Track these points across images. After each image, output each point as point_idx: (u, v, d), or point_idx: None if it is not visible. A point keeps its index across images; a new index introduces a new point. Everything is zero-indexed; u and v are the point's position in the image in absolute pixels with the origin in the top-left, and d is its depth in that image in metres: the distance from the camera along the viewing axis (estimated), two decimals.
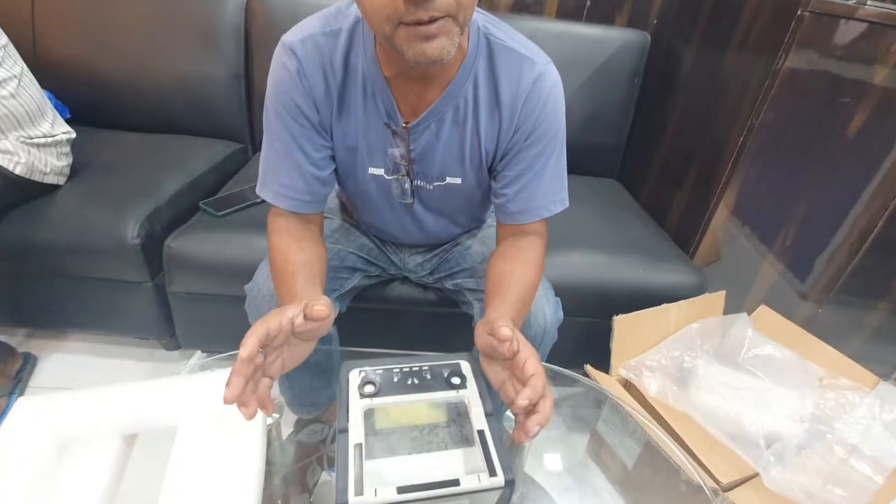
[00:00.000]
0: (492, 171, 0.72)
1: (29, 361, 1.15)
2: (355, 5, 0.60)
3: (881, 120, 1.01)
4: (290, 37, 0.62)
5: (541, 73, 0.64)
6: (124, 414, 0.52)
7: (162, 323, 1.13)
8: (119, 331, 1.22)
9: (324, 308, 0.47)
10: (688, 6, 1.30)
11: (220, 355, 0.78)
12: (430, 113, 0.65)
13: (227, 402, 0.42)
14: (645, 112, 1.46)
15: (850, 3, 1.03)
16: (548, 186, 0.70)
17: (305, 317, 0.46)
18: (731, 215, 1.14)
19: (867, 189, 1.11)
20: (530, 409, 0.45)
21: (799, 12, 0.90)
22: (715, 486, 0.79)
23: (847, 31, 0.93)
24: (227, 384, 0.42)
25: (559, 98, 0.67)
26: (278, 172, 0.66)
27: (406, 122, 0.65)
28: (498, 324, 0.47)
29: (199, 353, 1.26)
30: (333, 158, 0.70)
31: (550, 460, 0.94)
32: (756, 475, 0.81)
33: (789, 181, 1.10)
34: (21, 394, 1.08)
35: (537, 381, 0.46)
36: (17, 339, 1.22)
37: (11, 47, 1.02)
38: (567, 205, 0.73)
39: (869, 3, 1.11)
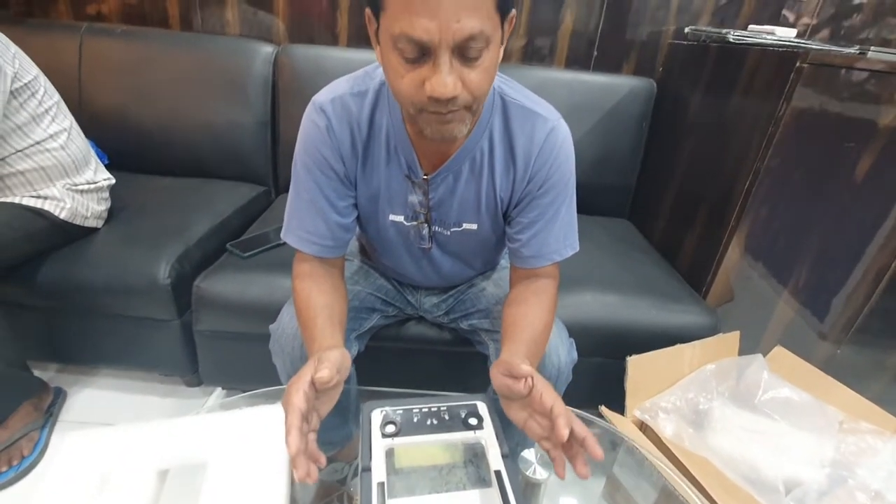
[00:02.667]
0: (506, 218, 0.76)
1: (60, 396, 1.19)
2: (381, 69, 0.66)
3: (889, 163, 1.03)
4: (321, 97, 0.68)
5: (553, 127, 0.69)
6: (159, 450, 0.55)
7: (186, 360, 1.17)
8: (145, 366, 1.26)
9: (325, 373, 0.51)
10: (692, 56, 1.36)
11: (244, 394, 0.80)
12: (448, 166, 0.69)
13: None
14: (654, 154, 1.50)
15: (851, 52, 1.08)
16: (559, 232, 0.73)
17: (317, 379, 0.51)
18: (743, 255, 1.15)
19: (880, 230, 1.11)
20: (568, 442, 0.48)
21: (798, 63, 0.94)
22: None
23: (849, 79, 0.97)
24: (294, 468, 0.47)
25: (570, 150, 0.71)
26: (304, 220, 0.71)
27: (426, 175, 0.70)
28: (516, 361, 0.51)
29: (219, 390, 1.30)
30: (356, 206, 0.75)
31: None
32: None
33: (800, 222, 1.12)
34: (52, 427, 1.12)
35: (560, 409, 0.49)
36: (48, 374, 1.27)
37: (63, 103, 1.11)
38: (577, 249, 0.76)
39: (871, 51, 1.16)
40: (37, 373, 1.14)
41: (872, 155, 1.02)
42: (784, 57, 0.98)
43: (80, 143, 1.13)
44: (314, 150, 0.68)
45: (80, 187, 1.12)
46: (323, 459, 0.50)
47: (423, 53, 0.51)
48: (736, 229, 1.11)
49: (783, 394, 0.95)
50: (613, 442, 0.96)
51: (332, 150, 0.68)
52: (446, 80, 0.51)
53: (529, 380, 0.51)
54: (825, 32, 1.52)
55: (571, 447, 0.49)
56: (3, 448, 1.01)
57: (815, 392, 0.98)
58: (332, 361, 0.53)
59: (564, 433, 0.47)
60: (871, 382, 1.35)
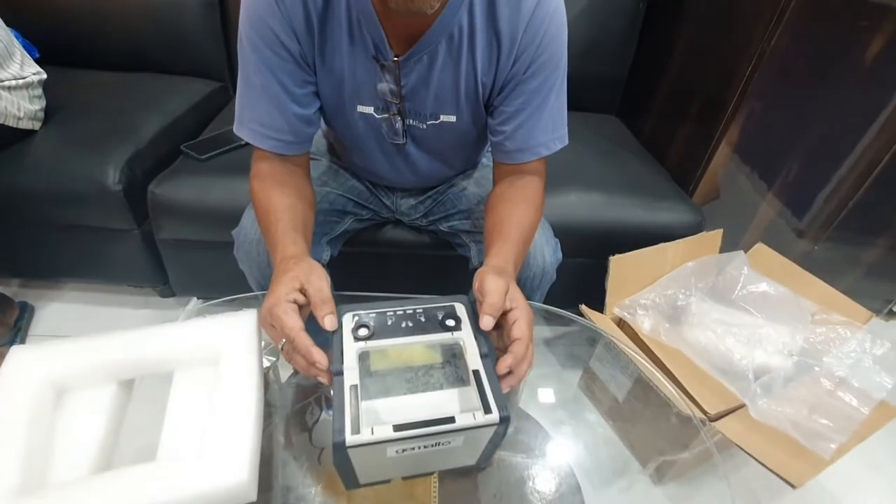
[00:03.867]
0: (488, 108, 0.68)
1: (26, 310, 1.15)
2: None
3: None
4: None
5: None
6: (120, 360, 0.51)
7: (154, 271, 1.12)
8: (112, 279, 1.22)
9: (333, 320, 0.47)
10: None
11: (215, 301, 0.77)
12: (422, 44, 0.60)
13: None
14: (649, 42, 1.37)
15: None
16: (547, 123, 0.66)
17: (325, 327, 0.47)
18: (734, 151, 1.10)
19: (877, 120, 1.06)
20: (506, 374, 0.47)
21: None
22: (703, 416, 0.82)
23: None
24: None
25: (562, 24, 0.62)
26: (257, 110, 0.62)
27: (396, 56, 0.61)
28: (482, 308, 0.48)
29: (195, 299, 1.26)
30: (317, 95, 0.66)
31: (544, 395, 0.96)
32: (743, 406, 0.84)
33: (797, 113, 1.05)
34: (22, 342, 1.09)
35: (519, 348, 0.47)
36: (12, 290, 1.22)
37: None
38: (567, 142, 0.70)
39: None
40: None
41: (885, 35, 0.93)
42: None
43: (1, 33, 0.97)
44: (259, 23, 0.57)
45: (7, 83, 0.98)
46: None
47: None
48: (730, 122, 1.05)
49: (760, 288, 0.96)
50: (592, 338, 0.98)
51: (282, 22, 0.57)
52: None
53: (507, 303, 0.49)
54: None
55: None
56: None
57: (793, 286, 0.99)
58: (331, 301, 0.48)
59: (500, 371, 0.46)
60: (845, 277, 1.39)
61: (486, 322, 0.47)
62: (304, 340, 0.45)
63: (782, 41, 0.93)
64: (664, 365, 0.90)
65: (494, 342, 0.51)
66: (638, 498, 0.81)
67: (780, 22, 0.90)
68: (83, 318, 1.19)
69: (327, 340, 0.48)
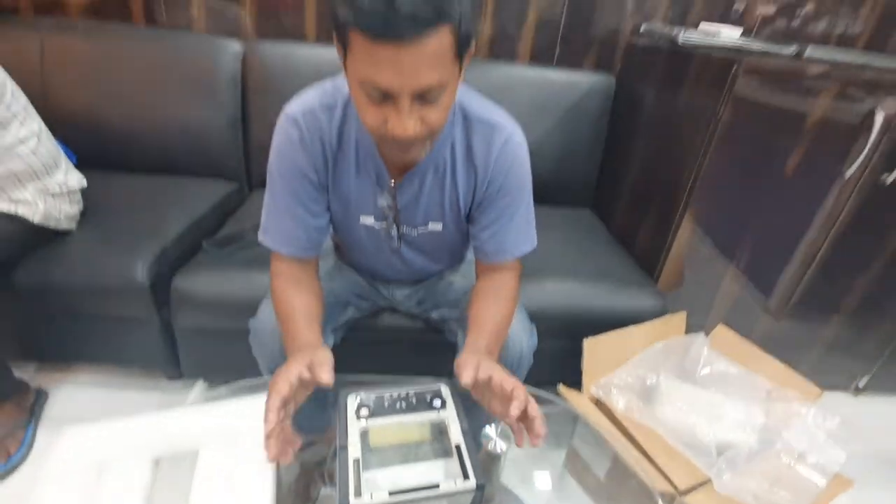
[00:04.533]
0: (469, 218, 0.83)
1: (41, 396, 1.21)
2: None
3: (814, 157, 1.14)
4: (293, 109, 0.73)
5: (508, 135, 0.75)
6: (153, 440, 0.60)
7: (167, 355, 1.21)
8: (126, 363, 1.29)
9: (327, 377, 0.56)
10: (647, 54, 1.44)
11: (226, 385, 0.85)
12: (414, 173, 0.76)
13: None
14: (614, 147, 1.59)
15: (789, 52, 1.18)
16: (518, 230, 0.81)
17: (318, 381, 0.56)
18: (691, 241, 1.25)
19: (811, 217, 1.23)
20: (524, 416, 0.55)
21: (734, 70, 1.03)
22: (673, 491, 0.88)
23: (781, 80, 1.06)
24: (266, 448, 0.52)
25: (524, 156, 0.78)
26: (280, 223, 0.76)
27: (393, 181, 0.76)
28: (460, 373, 0.57)
29: (201, 382, 1.34)
30: (329, 210, 0.81)
31: (529, 475, 1.02)
32: (709, 481, 0.90)
33: (740, 211, 1.22)
34: (36, 425, 1.15)
35: (520, 393, 0.56)
36: (28, 374, 1.29)
37: (30, 107, 1.11)
38: (535, 244, 0.84)
39: (809, 49, 1.26)
40: (16, 373, 1.16)
41: (801, 151, 1.12)
42: (723, 63, 1.06)
43: (49, 146, 1.14)
44: (289, 160, 0.73)
45: (53, 190, 1.12)
46: (298, 442, 0.57)
47: (385, 96, 0.56)
48: (682, 218, 1.21)
49: (720, 367, 1.06)
50: (574, 416, 1.06)
51: (306, 159, 0.73)
52: (406, 123, 0.57)
53: (480, 372, 0.58)
54: (772, 27, 1.62)
55: (526, 419, 0.56)
56: None
57: (751, 365, 1.09)
58: (328, 364, 0.58)
59: (515, 413, 0.54)
60: (809, 352, 1.49)
61: (467, 375, 0.57)
62: (272, 402, 0.53)
63: (715, 156, 1.11)
64: (637, 442, 0.97)
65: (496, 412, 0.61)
66: None
67: (711, 140, 1.09)
68: (94, 402, 1.25)
69: (328, 420, 0.56)
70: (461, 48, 0.56)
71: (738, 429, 0.97)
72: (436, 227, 0.83)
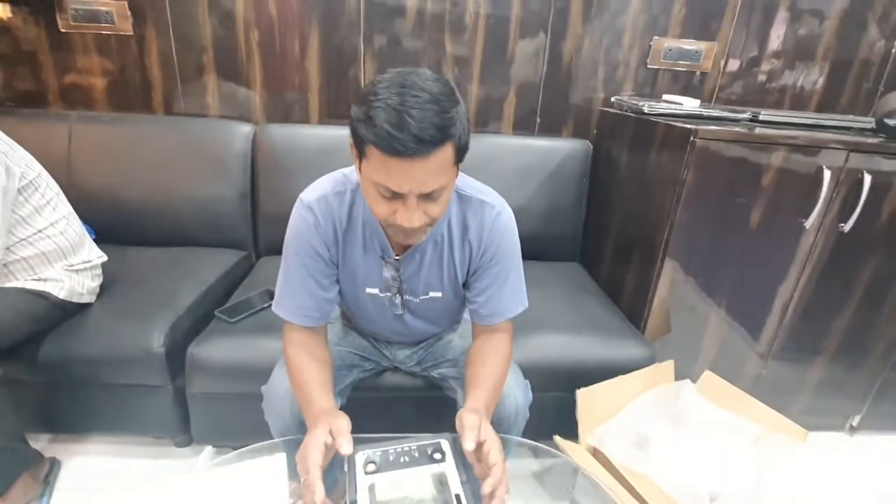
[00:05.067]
0: (465, 285, 0.92)
1: (55, 466, 1.24)
2: (355, 173, 0.82)
3: (776, 212, 1.25)
4: (308, 196, 0.83)
5: (498, 212, 0.85)
6: None
7: (178, 421, 1.25)
8: (138, 431, 1.33)
9: (349, 447, 0.64)
10: (618, 122, 1.59)
11: (234, 452, 0.87)
12: (415, 249, 0.85)
13: None
14: (595, 205, 1.71)
15: (744, 117, 1.31)
16: (510, 294, 0.89)
17: (338, 451, 0.64)
18: (671, 292, 1.34)
19: (778, 267, 1.33)
20: (491, 494, 0.63)
21: (692, 138, 1.16)
22: None
23: (734, 149, 1.19)
24: None
25: (513, 229, 0.88)
26: (294, 296, 0.85)
27: (397, 256, 0.85)
28: (464, 437, 0.65)
29: (209, 448, 1.37)
30: (338, 282, 0.89)
31: None
32: None
33: (712, 265, 1.31)
34: (50, 497, 1.17)
35: (497, 471, 0.64)
36: (41, 444, 1.32)
37: (62, 194, 1.23)
38: (526, 305, 0.92)
39: (763, 113, 1.40)
40: (31, 443, 1.20)
41: (761, 207, 1.24)
42: (683, 132, 1.19)
43: (76, 227, 1.24)
44: (304, 241, 0.83)
45: (77, 267, 1.22)
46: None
47: (395, 195, 0.67)
48: (661, 271, 1.30)
49: (708, 414, 1.11)
50: (574, 468, 1.10)
51: (319, 240, 0.83)
52: (413, 217, 0.68)
53: (481, 434, 0.66)
54: (730, 93, 1.79)
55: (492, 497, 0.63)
56: None
57: (738, 409, 1.14)
58: (347, 433, 0.65)
59: (486, 490, 0.63)
60: (798, 395, 1.53)
61: (468, 444, 0.64)
62: (315, 475, 0.61)
63: (683, 216, 1.22)
64: (635, 491, 1.01)
65: (477, 473, 0.67)
66: None
67: (679, 202, 1.21)
68: (105, 470, 1.28)
69: (335, 480, 0.63)
70: (460, 156, 0.68)
71: (728, 474, 1.01)
72: (436, 294, 0.92)
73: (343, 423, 0.67)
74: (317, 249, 0.83)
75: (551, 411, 1.20)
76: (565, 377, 1.20)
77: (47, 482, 1.19)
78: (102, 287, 1.31)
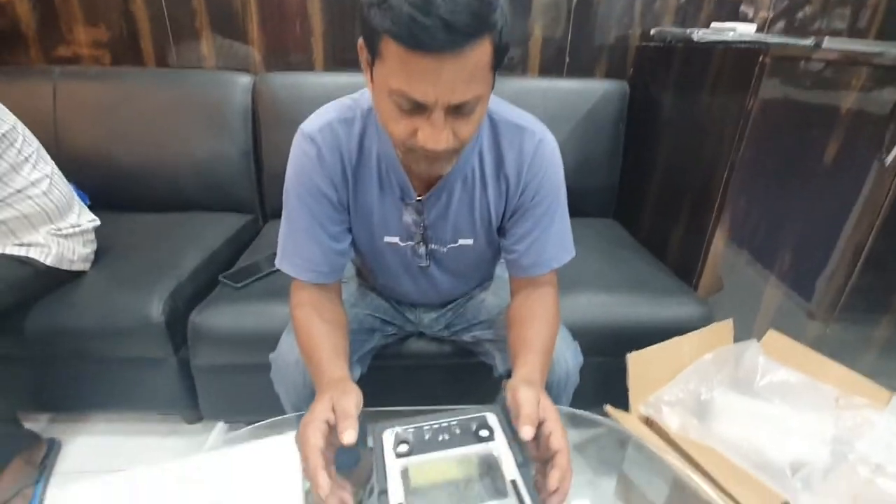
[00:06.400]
0: (501, 231, 0.77)
1: (54, 447, 1.16)
2: (368, 93, 0.67)
3: (853, 146, 1.07)
4: (309, 125, 0.69)
5: (540, 139, 0.70)
6: (169, 493, 0.54)
7: (185, 396, 1.15)
8: (142, 408, 1.24)
9: (352, 436, 0.50)
10: (660, 57, 1.40)
11: (248, 427, 0.79)
12: (441, 187, 0.71)
13: None
14: (633, 154, 1.54)
15: (807, 44, 1.13)
16: (555, 239, 0.75)
17: (343, 440, 0.50)
18: (728, 245, 1.18)
19: (853, 210, 1.16)
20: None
21: (761, 59, 0.98)
22: None
23: (809, 70, 1.01)
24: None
25: (558, 160, 0.73)
26: (298, 247, 0.71)
27: (419, 196, 0.71)
28: (520, 419, 0.51)
29: (221, 424, 1.28)
30: (350, 231, 0.76)
31: None
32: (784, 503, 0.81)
33: (778, 209, 1.15)
34: (47, 481, 1.08)
35: (562, 460, 0.50)
36: (40, 425, 1.24)
37: (42, 150, 1.10)
38: (574, 254, 0.78)
39: (826, 40, 1.21)
40: (27, 425, 1.11)
41: (838, 140, 1.06)
42: (747, 53, 1.02)
43: (62, 188, 1.12)
44: (306, 179, 0.69)
45: (65, 231, 1.10)
46: (349, 487, 0.51)
47: (416, 107, 0.52)
48: (719, 221, 1.15)
49: (779, 376, 0.97)
50: (621, 440, 0.97)
51: (324, 177, 0.68)
52: (439, 136, 0.53)
53: (540, 414, 0.52)
54: (781, 25, 1.58)
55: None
56: None
57: (810, 371, 1.00)
58: (353, 417, 0.51)
59: (552, 485, 0.49)
60: (863, 356, 1.39)
61: (527, 432, 0.50)
62: (314, 461, 0.48)
63: (747, 152, 1.05)
64: (699, 464, 0.88)
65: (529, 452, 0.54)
66: None
67: (742, 137, 1.04)
68: (110, 451, 1.19)
69: (357, 457, 0.50)
70: (499, 59, 0.53)
71: (809, 443, 0.88)
72: (466, 242, 0.78)
73: (349, 401, 0.52)
74: (322, 190, 0.69)
75: (595, 380, 1.06)
76: (610, 340, 1.07)
77: (44, 465, 1.10)
78: (97, 254, 1.20)
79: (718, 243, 1.17)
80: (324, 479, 0.47)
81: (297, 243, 0.72)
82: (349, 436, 0.49)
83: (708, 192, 1.16)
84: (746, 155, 1.06)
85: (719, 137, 1.11)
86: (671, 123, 1.34)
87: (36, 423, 1.24)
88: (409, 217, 0.74)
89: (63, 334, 1.05)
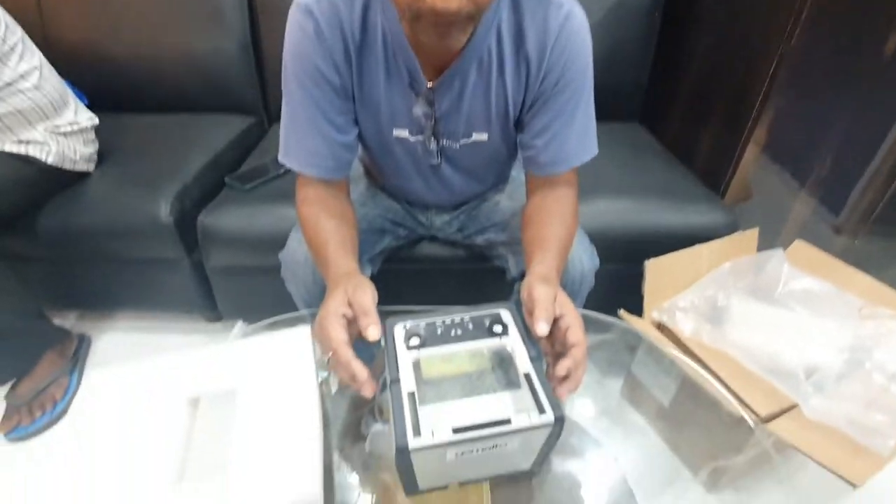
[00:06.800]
0: (518, 125, 0.71)
1: (84, 342, 1.21)
2: None
3: None
4: None
5: (568, 13, 0.61)
6: (187, 378, 0.55)
7: (203, 298, 1.18)
8: (164, 308, 1.28)
9: (376, 332, 0.49)
10: None
11: (265, 321, 0.81)
12: (454, 71, 0.63)
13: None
14: (666, 48, 1.39)
15: None
16: (578, 134, 0.68)
17: (367, 337, 0.49)
18: (763, 150, 1.10)
19: None
20: (564, 377, 0.48)
21: None
22: (755, 418, 0.80)
23: None
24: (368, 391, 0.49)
25: (587, 38, 0.64)
26: (301, 140, 0.66)
27: (430, 82, 0.64)
28: (536, 316, 0.49)
29: (240, 323, 1.31)
30: (356, 122, 0.70)
31: (587, 404, 0.96)
32: (795, 406, 0.82)
33: (823, 109, 1.05)
34: (80, 372, 1.15)
35: (577, 353, 0.48)
36: (69, 322, 1.29)
37: (28, 39, 1.02)
38: (596, 151, 0.72)
39: None
40: (57, 321, 1.16)
41: None
42: None
43: (54, 81, 1.06)
44: (305, 60, 0.62)
45: (63, 129, 1.06)
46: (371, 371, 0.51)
47: None
48: (757, 121, 1.05)
49: (803, 284, 0.94)
50: (631, 345, 0.98)
51: (324, 57, 0.61)
52: None
53: (556, 311, 0.50)
54: None
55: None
56: (34, 396, 1.04)
57: (835, 281, 0.97)
58: (374, 313, 0.50)
59: (560, 373, 0.48)
60: (887, 271, 1.34)
61: (542, 328, 0.48)
62: (346, 353, 0.48)
63: (802, 40, 0.93)
64: (709, 367, 0.89)
65: (543, 349, 0.53)
66: None
67: (798, 22, 0.91)
68: (137, 347, 1.25)
69: (372, 355, 0.50)
70: None
71: (826, 350, 0.87)
72: (480, 137, 0.71)
73: (366, 296, 0.51)
74: (323, 72, 0.62)
75: (609, 286, 1.04)
76: (629, 247, 1.03)
77: (76, 358, 1.16)
78: (100, 155, 1.17)
79: (753, 148, 1.08)
80: (360, 369, 0.47)
81: (299, 136, 0.66)
82: (373, 332, 0.49)
83: (748, 91, 1.05)
84: (800, 43, 0.94)
85: (769, 26, 0.98)
86: (713, 12, 1.19)
87: (65, 320, 1.29)
88: (419, 108, 0.68)
89: (74, 234, 1.05)
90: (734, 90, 1.10)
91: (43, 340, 1.08)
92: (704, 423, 0.85)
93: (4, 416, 1.04)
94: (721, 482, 0.82)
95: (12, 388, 1.05)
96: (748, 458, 0.78)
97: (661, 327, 0.99)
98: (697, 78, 1.26)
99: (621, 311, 0.94)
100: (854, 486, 0.71)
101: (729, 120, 1.12)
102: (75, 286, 1.21)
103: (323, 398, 0.64)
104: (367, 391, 0.48)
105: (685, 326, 0.94)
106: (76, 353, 1.16)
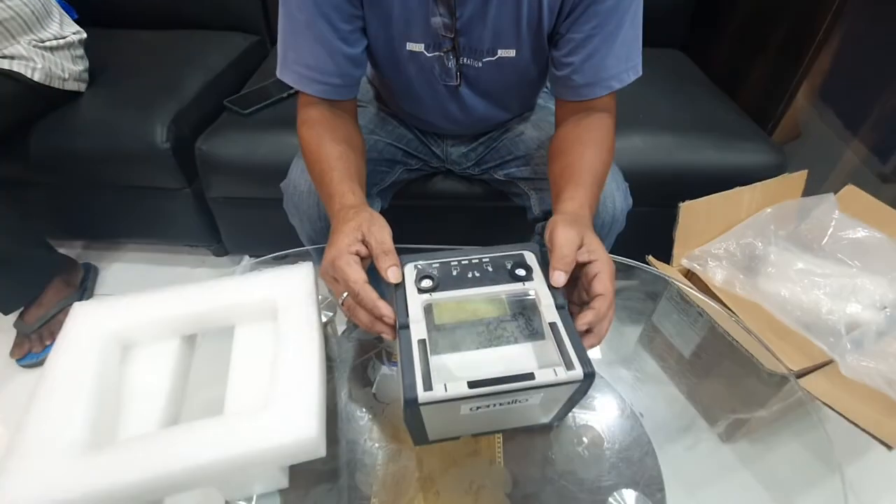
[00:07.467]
0: (553, 38, 0.61)
1: (90, 271, 1.19)
2: None
3: None
4: None
5: None
6: (182, 315, 0.51)
7: (207, 230, 1.14)
8: (169, 239, 1.24)
9: (397, 272, 0.44)
10: None
11: (271, 256, 0.77)
12: None
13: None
14: None
15: None
16: (621, 51, 0.59)
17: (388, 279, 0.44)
18: (822, 84, 0.97)
19: None
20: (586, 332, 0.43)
21: None
22: (786, 372, 0.76)
23: None
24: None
25: None
26: (301, 50, 0.58)
27: None
28: (553, 264, 0.43)
29: (246, 258, 1.28)
30: (365, 33, 0.60)
31: (603, 351, 0.92)
32: (830, 362, 0.77)
33: (886, 49, 0.91)
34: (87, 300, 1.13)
35: (601, 304, 0.42)
36: (75, 251, 1.27)
37: None
38: (640, 73, 0.62)
39: None
40: (62, 250, 1.13)
41: None
42: None
43: None
44: None
45: (48, 43, 0.98)
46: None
47: None
48: (819, 51, 0.92)
49: (854, 234, 0.86)
50: (653, 293, 0.92)
51: None
52: None
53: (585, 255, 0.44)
54: None
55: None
56: (42, 324, 1.03)
57: (890, 232, 0.88)
58: (393, 252, 0.45)
59: (581, 327, 0.42)
60: None
61: (558, 278, 0.42)
62: (370, 294, 0.42)
63: None
64: (739, 319, 0.83)
65: (568, 296, 0.47)
66: (706, 456, 0.77)
67: None
68: (144, 278, 1.23)
69: (384, 295, 0.45)
70: None
71: (870, 306, 0.80)
72: (507, 53, 0.62)
73: (385, 234, 0.45)
74: None
75: (637, 231, 0.97)
76: (665, 187, 0.95)
77: (84, 287, 1.14)
78: (91, 74, 1.08)
79: (811, 81, 0.96)
80: (387, 308, 0.42)
81: (299, 45, 0.58)
82: (394, 273, 0.43)
83: (813, 15, 0.91)
84: None
85: None
86: None
87: (71, 250, 1.26)
88: (437, 17, 0.58)
89: (67, 157, 1.00)
90: (795, 16, 0.96)
91: (47, 268, 1.06)
92: (727, 375, 0.81)
93: (16, 343, 1.04)
94: (737, 434, 0.79)
95: (20, 315, 1.04)
96: (770, 412, 0.74)
97: (689, 275, 0.92)
98: (752, 3, 1.10)
99: (649, 258, 0.87)
100: (890, 448, 0.67)
101: (787, 48, 0.99)
102: (78, 214, 1.17)
103: (327, 339, 0.61)
104: (391, 335, 0.43)
105: (716, 275, 0.88)
106: (83, 282, 1.14)
